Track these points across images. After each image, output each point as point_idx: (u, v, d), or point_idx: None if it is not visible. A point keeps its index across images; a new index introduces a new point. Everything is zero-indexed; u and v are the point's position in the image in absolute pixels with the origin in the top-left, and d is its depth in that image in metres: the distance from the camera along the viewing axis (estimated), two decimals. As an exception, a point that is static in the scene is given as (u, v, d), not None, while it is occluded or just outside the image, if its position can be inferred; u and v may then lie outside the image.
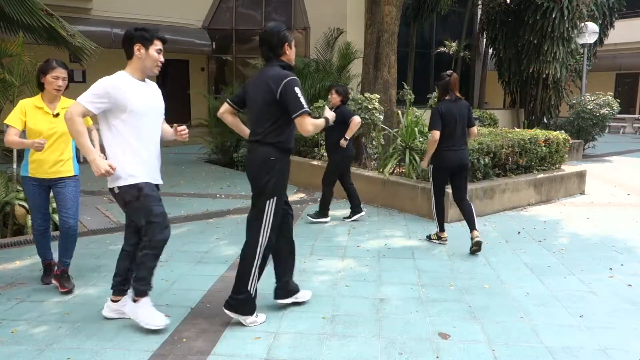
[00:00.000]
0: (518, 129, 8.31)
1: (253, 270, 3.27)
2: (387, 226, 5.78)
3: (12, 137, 3.62)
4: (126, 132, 3.12)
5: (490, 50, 15.78)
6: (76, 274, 4.20)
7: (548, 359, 2.91)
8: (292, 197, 7.34)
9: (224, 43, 16.09)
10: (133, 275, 3.29)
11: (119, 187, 3.13)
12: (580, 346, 3.05)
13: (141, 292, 3.22)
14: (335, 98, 5.81)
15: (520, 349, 3.01)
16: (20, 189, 5.52)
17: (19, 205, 5.36)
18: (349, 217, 6.02)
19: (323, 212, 5.96)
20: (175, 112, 16.05)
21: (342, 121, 5.49)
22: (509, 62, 14.54)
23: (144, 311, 3.20)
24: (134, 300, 3.23)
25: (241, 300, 3.24)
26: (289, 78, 3.12)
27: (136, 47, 3.20)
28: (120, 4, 13.97)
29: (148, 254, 3.18)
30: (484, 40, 16.30)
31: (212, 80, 16.61)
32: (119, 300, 3.39)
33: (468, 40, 16.59)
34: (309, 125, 3.14)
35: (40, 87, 3.76)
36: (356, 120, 5.62)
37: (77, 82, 14.30)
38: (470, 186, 6.17)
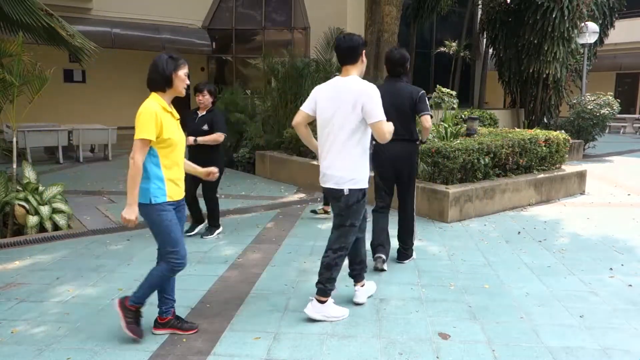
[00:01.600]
0: (518, 129, 8.31)
1: (415, 227, 4.60)
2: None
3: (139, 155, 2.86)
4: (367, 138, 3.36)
5: (491, 50, 15.77)
6: (76, 274, 4.20)
7: (548, 359, 2.91)
8: (292, 197, 7.34)
9: (224, 43, 16.10)
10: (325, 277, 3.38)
11: (350, 190, 3.27)
12: (581, 346, 3.05)
13: (329, 293, 3.38)
14: None
15: (521, 349, 3.00)
16: (20, 188, 5.52)
17: (19, 205, 5.36)
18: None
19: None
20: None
21: None
22: (509, 62, 14.53)
23: (333, 309, 3.40)
24: (321, 302, 3.35)
25: (410, 250, 4.46)
26: (422, 90, 4.27)
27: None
28: (120, 4, 13.97)
29: (342, 255, 3.40)
30: (484, 40, 16.29)
31: (212, 80, 16.60)
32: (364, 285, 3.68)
33: (468, 40, 16.59)
34: (428, 121, 4.27)
35: (169, 85, 2.99)
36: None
37: (77, 82, 14.34)
38: (471, 186, 6.17)
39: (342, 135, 3.24)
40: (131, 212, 2.87)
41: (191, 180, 4.04)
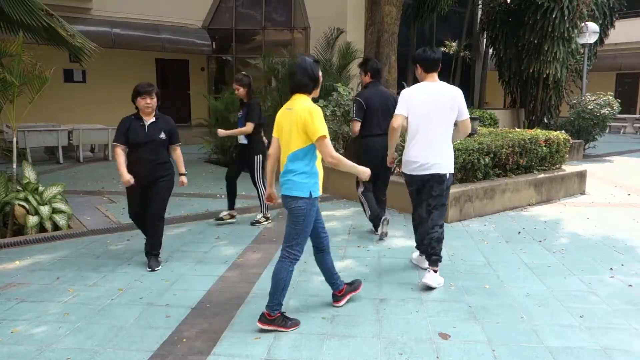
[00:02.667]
0: (518, 129, 8.31)
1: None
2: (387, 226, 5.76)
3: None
4: None
5: (491, 50, 15.77)
6: (76, 274, 4.20)
7: (548, 359, 2.91)
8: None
9: (224, 43, 16.09)
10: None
11: (449, 174, 3.95)
12: (581, 346, 3.05)
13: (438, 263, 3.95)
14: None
15: (521, 349, 3.00)
16: (20, 188, 5.52)
17: (19, 205, 5.36)
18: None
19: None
20: (176, 112, 16.06)
21: None
22: (509, 62, 14.53)
23: (439, 277, 3.97)
24: (435, 271, 3.93)
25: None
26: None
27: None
28: (120, 4, 13.97)
29: (442, 232, 3.95)
30: (484, 40, 16.29)
31: (212, 80, 16.60)
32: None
33: (468, 40, 16.58)
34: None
35: (317, 86, 3.25)
36: None
37: (77, 82, 14.33)
38: (471, 186, 6.17)
39: (441, 131, 3.89)
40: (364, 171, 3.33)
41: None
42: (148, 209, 4.38)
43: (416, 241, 4.39)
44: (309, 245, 5.01)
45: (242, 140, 5.68)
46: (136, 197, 4.38)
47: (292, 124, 3.14)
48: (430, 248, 3.91)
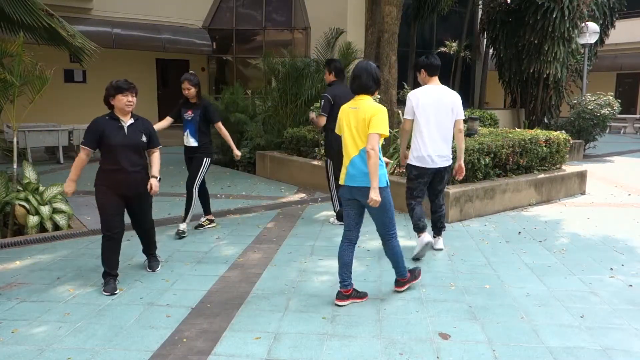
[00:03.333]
0: (519, 129, 8.31)
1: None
2: (387, 226, 5.77)
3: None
4: None
5: (491, 50, 15.76)
6: (76, 274, 4.20)
7: (548, 359, 2.91)
8: (293, 197, 7.34)
9: (225, 43, 16.10)
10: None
11: (451, 165, 4.74)
12: (581, 346, 3.05)
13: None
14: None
15: (521, 349, 3.00)
16: (21, 188, 5.53)
17: (20, 205, 5.36)
18: None
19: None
20: (176, 112, 16.08)
21: None
22: (510, 62, 14.52)
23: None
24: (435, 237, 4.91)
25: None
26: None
27: None
28: (120, 4, 13.97)
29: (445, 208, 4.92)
30: (485, 40, 16.28)
31: (213, 80, 16.60)
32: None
33: (468, 40, 16.57)
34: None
35: (379, 88, 3.69)
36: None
37: (78, 82, 14.34)
38: (471, 186, 6.17)
39: (447, 129, 4.48)
40: (377, 194, 3.36)
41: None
42: (138, 219, 4.12)
43: (414, 224, 4.78)
44: (309, 247, 5.03)
45: (192, 142, 5.34)
46: (114, 207, 3.85)
47: (360, 122, 3.44)
48: (439, 223, 4.85)
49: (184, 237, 5.27)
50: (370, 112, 3.38)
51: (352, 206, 3.60)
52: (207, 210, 5.69)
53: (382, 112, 3.40)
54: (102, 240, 3.86)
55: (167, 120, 5.50)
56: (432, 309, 3.57)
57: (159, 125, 5.07)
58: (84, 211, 6.30)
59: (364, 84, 3.51)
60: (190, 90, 5.29)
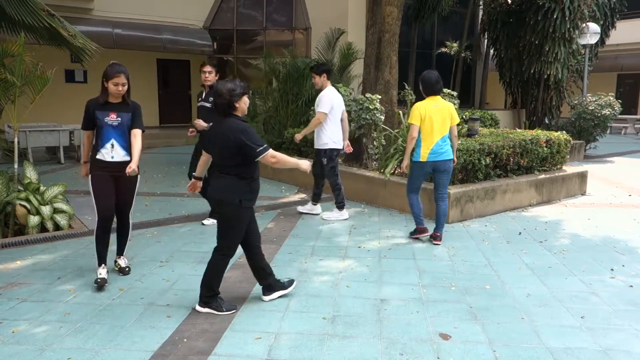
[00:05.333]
0: (519, 130, 8.31)
1: None
2: (388, 227, 5.77)
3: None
4: None
5: (492, 51, 15.75)
6: (76, 274, 4.21)
7: (549, 359, 2.91)
8: (293, 197, 7.34)
9: (225, 43, 16.09)
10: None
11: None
12: (582, 347, 3.05)
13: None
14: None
15: (521, 350, 3.00)
16: (22, 188, 5.53)
17: (20, 205, 5.36)
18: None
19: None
20: (176, 112, 16.08)
21: None
22: (510, 63, 14.51)
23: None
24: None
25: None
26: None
27: None
28: (121, 4, 13.98)
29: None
30: (485, 40, 16.27)
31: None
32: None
33: (469, 40, 16.56)
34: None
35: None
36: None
37: (79, 82, 14.34)
38: (472, 186, 6.17)
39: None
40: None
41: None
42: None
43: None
44: (310, 247, 5.03)
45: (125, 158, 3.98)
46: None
47: (446, 116, 4.99)
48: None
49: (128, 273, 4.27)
50: (451, 109, 5.04)
51: (425, 177, 5.22)
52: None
53: (454, 107, 4.94)
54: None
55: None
56: (432, 309, 3.57)
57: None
58: (84, 211, 6.30)
59: (439, 88, 5.07)
60: (124, 87, 4.00)
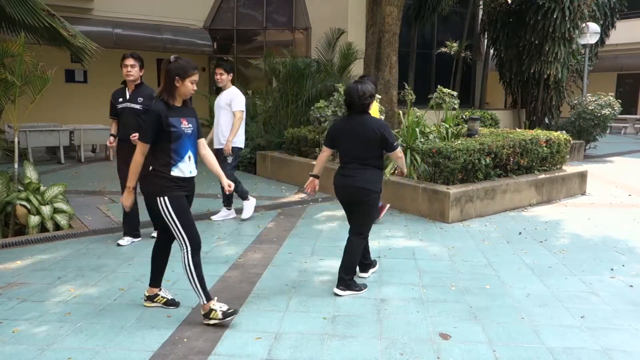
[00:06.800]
0: (519, 130, 8.31)
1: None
2: (387, 226, 5.77)
3: None
4: None
5: (492, 51, 15.75)
6: (77, 274, 4.21)
7: (549, 359, 2.91)
8: (293, 197, 7.34)
9: (225, 43, 16.08)
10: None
11: None
12: (582, 347, 3.05)
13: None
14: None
15: (522, 350, 3.00)
16: (22, 188, 5.53)
17: (21, 205, 5.37)
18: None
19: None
20: (177, 112, 16.05)
21: None
22: (510, 63, 14.50)
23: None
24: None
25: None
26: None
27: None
28: (121, 4, 13.97)
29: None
30: (485, 40, 16.26)
31: (213, 81, 16.56)
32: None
33: (469, 40, 16.54)
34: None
35: None
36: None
37: (79, 82, 14.34)
38: (472, 186, 6.17)
39: None
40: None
41: None
42: None
43: None
44: (310, 247, 5.03)
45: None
46: None
47: None
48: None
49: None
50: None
51: None
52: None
53: None
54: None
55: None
56: (432, 309, 3.57)
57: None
58: (84, 211, 6.31)
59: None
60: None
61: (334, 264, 4.50)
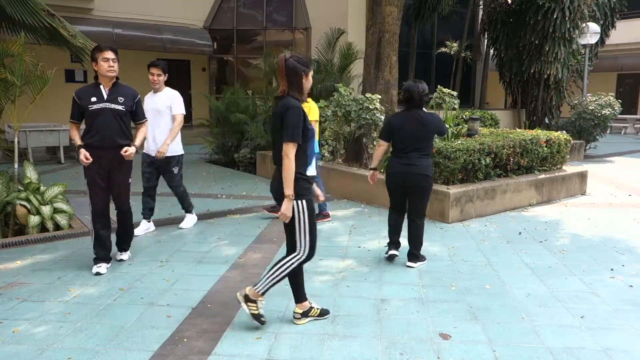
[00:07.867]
0: (519, 130, 8.31)
1: None
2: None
3: None
4: None
5: (492, 51, 15.76)
6: (77, 274, 4.21)
7: (549, 359, 2.91)
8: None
9: (225, 43, 16.11)
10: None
11: None
12: (581, 347, 3.05)
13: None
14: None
15: (522, 350, 3.00)
16: (22, 188, 5.53)
17: (21, 205, 5.37)
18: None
19: None
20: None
21: None
22: (510, 63, 14.52)
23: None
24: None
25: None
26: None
27: None
28: (121, 4, 13.99)
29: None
30: (485, 40, 16.27)
31: (213, 81, 16.60)
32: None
33: (469, 40, 16.57)
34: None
35: None
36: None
37: (79, 82, 14.34)
38: (472, 186, 6.17)
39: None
40: None
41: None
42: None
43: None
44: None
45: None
46: None
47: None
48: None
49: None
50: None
51: None
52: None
53: None
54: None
55: None
56: (432, 309, 3.57)
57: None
58: (85, 211, 6.27)
59: None
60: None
61: (334, 263, 4.50)
